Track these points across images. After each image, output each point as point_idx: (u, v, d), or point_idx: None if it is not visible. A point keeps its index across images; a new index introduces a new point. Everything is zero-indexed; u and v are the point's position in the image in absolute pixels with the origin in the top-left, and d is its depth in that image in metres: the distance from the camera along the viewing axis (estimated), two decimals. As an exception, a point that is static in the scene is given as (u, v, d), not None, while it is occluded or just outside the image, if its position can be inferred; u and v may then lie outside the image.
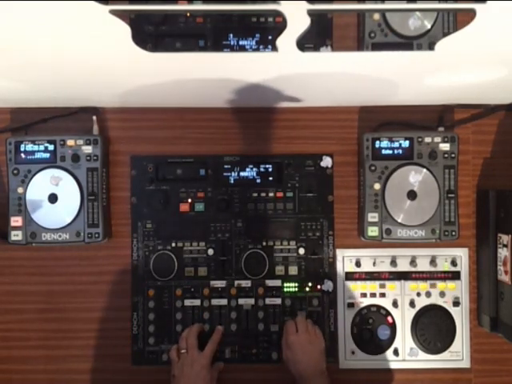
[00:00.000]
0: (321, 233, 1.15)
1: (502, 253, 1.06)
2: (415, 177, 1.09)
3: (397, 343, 1.14)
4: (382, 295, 1.14)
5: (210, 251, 1.15)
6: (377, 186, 1.10)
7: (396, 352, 1.14)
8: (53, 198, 1.08)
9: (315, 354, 1.05)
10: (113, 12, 0.62)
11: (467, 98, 1.11)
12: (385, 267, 1.15)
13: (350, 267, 1.15)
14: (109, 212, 1.14)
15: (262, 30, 1.11)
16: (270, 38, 1.10)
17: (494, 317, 1.10)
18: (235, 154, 1.16)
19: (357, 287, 1.15)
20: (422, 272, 1.15)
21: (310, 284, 1.15)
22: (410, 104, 1.14)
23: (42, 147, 1.08)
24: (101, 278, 1.15)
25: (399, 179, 1.09)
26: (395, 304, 1.14)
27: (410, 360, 1.14)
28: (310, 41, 1.10)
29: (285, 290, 1.15)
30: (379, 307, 1.14)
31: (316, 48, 1.10)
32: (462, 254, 1.15)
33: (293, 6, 0.62)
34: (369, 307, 1.14)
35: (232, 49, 1.11)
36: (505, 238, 1.06)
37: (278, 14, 0.63)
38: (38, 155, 1.09)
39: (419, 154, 1.09)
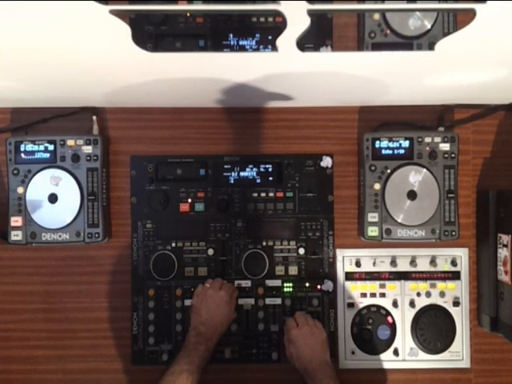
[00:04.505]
0: (321, 233, 1.15)
1: (502, 253, 1.06)
2: (415, 177, 1.09)
3: (397, 343, 1.14)
4: (382, 295, 1.14)
5: (210, 251, 1.15)
6: (377, 186, 1.10)
7: (396, 352, 1.14)
8: (53, 198, 1.08)
9: (318, 345, 1.05)
10: (113, 12, 0.62)
11: (467, 98, 1.11)
12: (385, 267, 1.15)
13: (350, 267, 1.15)
14: (109, 212, 1.14)
15: (262, 30, 1.11)
16: (269, 38, 1.10)
17: (494, 317, 1.10)
18: (235, 154, 1.16)
19: (357, 287, 1.15)
20: (422, 272, 1.15)
21: (309, 284, 1.15)
22: (410, 104, 1.14)
23: (42, 147, 1.08)
24: (101, 278, 1.15)
25: (399, 179, 1.09)
26: (395, 304, 1.14)
27: (410, 360, 1.14)
28: (310, 41, 1.10)
29: (285, 290, 1.15)
30: (379, 307, 1.14)
31: (316, 48, 1.10)
32: (462, 254, 1.15)
33: (293, 6, 0.62)
34: (369, 307, 1.14)
35: (232, 49, 1.11)
36: (505, 238, 1.06)
37: (277, 14, 0.63)
38: (38, 155, 1.09)
39: (419, 154, 1.09)
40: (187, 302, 1.13)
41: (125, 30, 0.67)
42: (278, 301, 1.14)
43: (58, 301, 1.15)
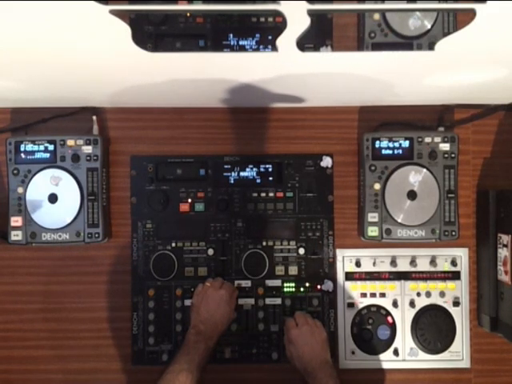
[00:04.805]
0: (321, 233, 1.15)
1: (502, 253, 1.06)
2: (415, 177, 1.09)
3: (397, 343, 1.14)
4: (382, 295, 1.14)
5: (210, 251, 1.15)
6: (377, 186, 1.10)
7: (396, 352, 1.14)
8: (53, 198, 1.08)
9: (318, 344, 1.05)
10: (113, 12, 0.62)
11: (467, 98, 1.11)
12: (385, 267, 1.15)
13: (350, 267, 1.15)
14: (109, 212, 1.14)
15: (262, 30, 1.11)
16: (269, 38, 1.10)
17: (494, 317, 1.10)
18: (235, 154, 1.16)
19: (357, 287, 1.15)
20: (422, 272, 1.15)
21: (310, 284, 1.15)
22: (410, 104, 1.14)
23: (42, 147, 1.08)
24: (101, 278, 1.15)
25: (399, 179, 1.09)
26: (395, 304, 1.14)
27: (409, 360, 1.14)
28: (310, 41, 1.10)
29: (285, 290, 1.15)
30: (379, 307, 1.14)
31: (316, 48, 1.10)
32: (462, 254, 1.15)
33: (293, 6, 0.62)
34: (369, 307, 1.14)
35: (232, 49, 1.11)
36: (505, 238, 1.06)
37: (277, 14, 0.63)
38: (38, 155, 1.08)
39: (419, 154, 1.09)
40: (187, 302, 1.13)
41: (125, 30, 0.67)
42: (278, 301, 1.14)
43: (58, 301, 1.15)
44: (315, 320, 1.10)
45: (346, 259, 1.15)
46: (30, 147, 1.08)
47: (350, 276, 1.15)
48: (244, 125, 1.16)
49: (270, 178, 1.16)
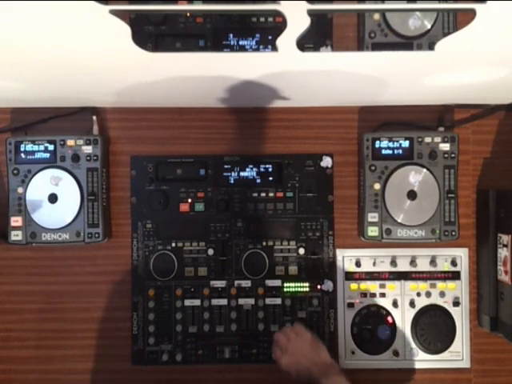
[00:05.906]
0: (321, 233, 1.15)
1: (502, 253, 1.06)
2: (415, 177, 1.09)
3: (397, 343, 1.14)
4: (382, 295, 1.14)
5: (210, 251, 1.15)
6: (377, 186, 1.10)
7: (396, 352, 1.14)
8: (53, 198, 1.08)
9: (309, 349, 1.04)
10: (113, 12, 0.62)
11: (467, 98, 1.11)
12: (385, 267, 1.15)
13: (350, 267, 1.15)
14: (109, 212, 1.14)
15: (262, 30, 1.11)
16: (270, 38, 1.10)
17: (494, 317, 1.10)
18: (235, 154, 1.16)
19: (357, 287, 1.15)
20: (422, 272, 1.15)
21: (309, 284, 1.15)
22: (410, 104, 1.14)
23: (42, 147, 1.08)
24: (101, 278, 1.15)
25: (399, 179, 1.09)
26: (395, 304, 1.14)
27: (409, 360, 1.14)
28: (310, 41, 1.10)
29: (285, 290, 1.15)
30: (379, 307, 1.14)
31: (316, 48, 1.10)
32: (462, 254, 1.15)
33: (293, 6, 0.62)
34: (369, 307, 1.14)
35: (232, 49, 1.11)
36: (505, 238, 1.06)
37: (277, 14, 0.63)
38: (37, 155, 1.09)
39: (419, 154, 1.09)
40: (187, 302, 1.13)
41: (125, 29, 0.67)
42: (278, 301, 1.14)
43: (58, 301, 1.15)
44: (294, 326, 1.09)
45: (345, 259, 1.15)
46: (29, 147, 1.08)
47: (349, 276, 1.15)
48: (244, 125, 1.16)
49: (270, 178, 1.16)
